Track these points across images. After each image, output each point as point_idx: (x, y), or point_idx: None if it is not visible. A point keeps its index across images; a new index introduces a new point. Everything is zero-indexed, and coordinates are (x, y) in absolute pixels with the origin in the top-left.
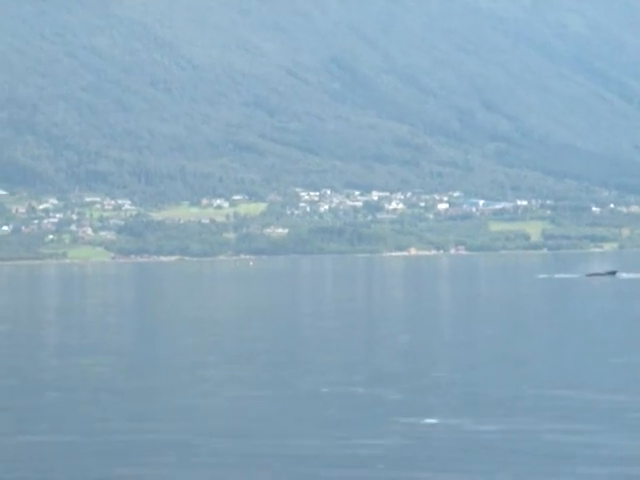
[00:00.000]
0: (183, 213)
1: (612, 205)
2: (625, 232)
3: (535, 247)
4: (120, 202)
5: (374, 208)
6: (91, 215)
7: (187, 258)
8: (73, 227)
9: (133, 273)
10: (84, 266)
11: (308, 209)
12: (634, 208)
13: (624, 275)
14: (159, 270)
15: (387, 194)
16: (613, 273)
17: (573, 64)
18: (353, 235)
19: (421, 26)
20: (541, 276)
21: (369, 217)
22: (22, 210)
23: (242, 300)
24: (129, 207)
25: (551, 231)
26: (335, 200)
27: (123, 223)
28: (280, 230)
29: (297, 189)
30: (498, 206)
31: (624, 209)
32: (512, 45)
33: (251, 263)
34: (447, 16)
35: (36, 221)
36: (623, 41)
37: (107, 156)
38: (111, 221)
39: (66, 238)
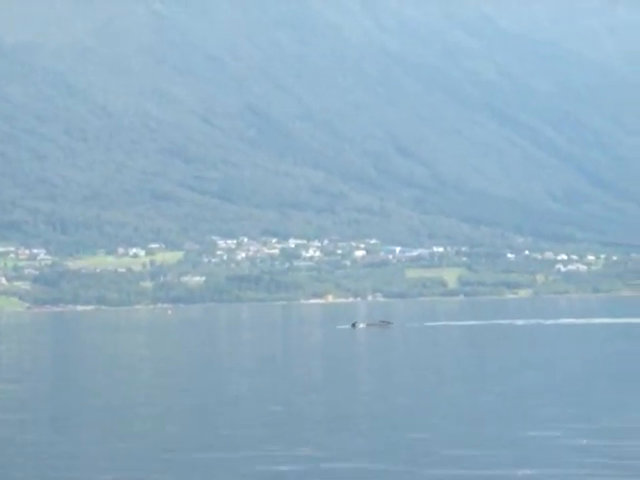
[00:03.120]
0: (99, 262)
1: (527, 252)
2: (540, 278)
3: (452, 294)
4: (35, 251)
5: (291, 256)
6: (5, 265)
7: (104, 307)
8: None
9: (48, 323)
10: None
11: (225, 257)
12: (548, 254)
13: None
14: (77, 320)
15: (304, 242)
16: (388, 323)
17: (485, 110)
18: (270, 283)
19: (334, 71)
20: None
21: (286, 265)
22: None
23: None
24: (44, 256)
25: (467, 277)
26: (252, 248)
27: (38, 273)
28: (197, 278)
29: (214, 237)
30: (415, 253)
31: (538, 255)
32: (425, 90)
33: (169, 312)
34: (360, 61)
35: None
36: (534, 87)
37: (21, 205)
38: (26, 270)
39: None
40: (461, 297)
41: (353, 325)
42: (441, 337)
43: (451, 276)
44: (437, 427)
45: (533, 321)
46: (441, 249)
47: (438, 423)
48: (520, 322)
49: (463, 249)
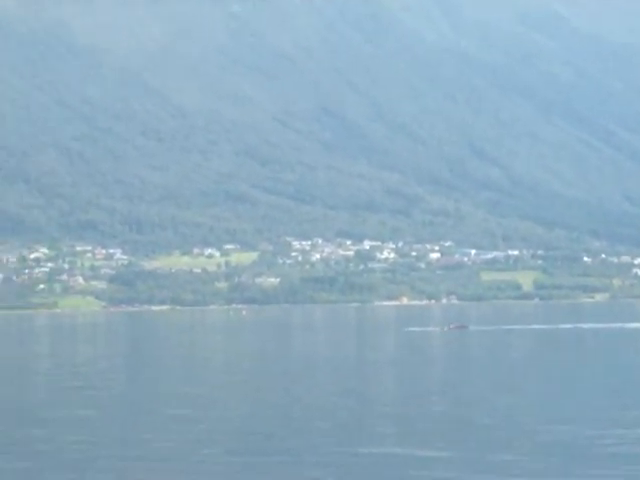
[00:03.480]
0: (174, 262)
1: (603, 255)
2: (616, 282)
3: (527, 297)
4: (111, 251)
5: (365, 257)
6: (82, 264)
7: (178, 307)
8: (64, 276)
9: (125, 323)
10: (75, 316)
11: (300, 258)
12: (625, 258)
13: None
14: (152, 320)
15: (378, 243)
16: (465, 327)
17: (562, 113)
18: (344, 284)
19: (409, 74)
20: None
21: (361, 266)
22: (13, 259)
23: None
24: (120, 256)
25: (542, 281)
26: (327, 249)
27: (114, 272)
28: (272, 279)
29: (288, 238)
30: (489, 256)
31: (615, 259)
32: (501, 93)
33: (244, 313)
34: (435, 64)
35: (27, 270)
36: (611, 89)
37: (98, 205)
38: (102, 270)
39: (57, 287)
40: (536, 300)
41: (446, 327)
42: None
43: (526, 279)
44: None
45: (615, 325)
46: (516, 252)
47: None
48: (604, 326)
49: (539, 252)
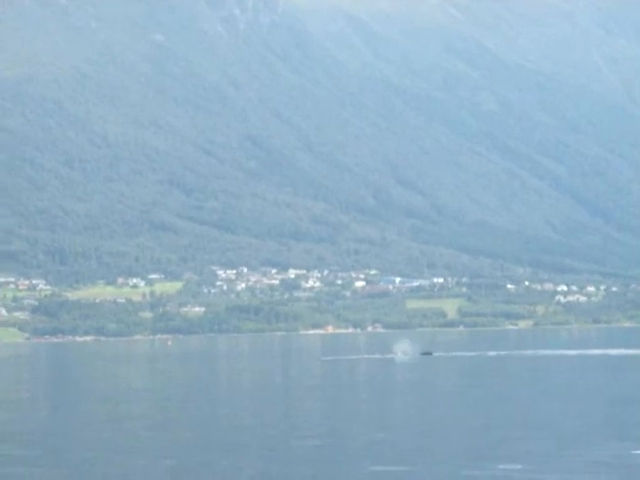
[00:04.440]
0: (98, 292)
1: (527, 282)
2: (540, 309)
3: (452, 324)
4: (34, 282)
5: (291, 286)
6: (5, 295)
7: (102, 338)
8: None
9: (48, 355)
10: None
11: (225, 287)
12: (548, 285)
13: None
14: (76, 351)
15: (304, 272)
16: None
17: (485, 141)
18: (270, 313)
19: (334, 102)
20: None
21: (286, 295)
22: None
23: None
24: (44, 287)
25: (467, 308)
26: (252, 278)
27: (37, 303)
28: (197, 309)
29: (214, 267)
30: (414, 283)
31: (538, 286)
32: (425, 122)
33: (169, 343)
34: (360, 92)
35: None
36: (533, 119)
37: (20, 235)
38: (25, 301)
39: None
40: (461, 328)
41: (398, 353)
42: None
43: (451, 307)
44: None
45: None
46: (441, 280)
47: None
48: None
49: (463, 280)
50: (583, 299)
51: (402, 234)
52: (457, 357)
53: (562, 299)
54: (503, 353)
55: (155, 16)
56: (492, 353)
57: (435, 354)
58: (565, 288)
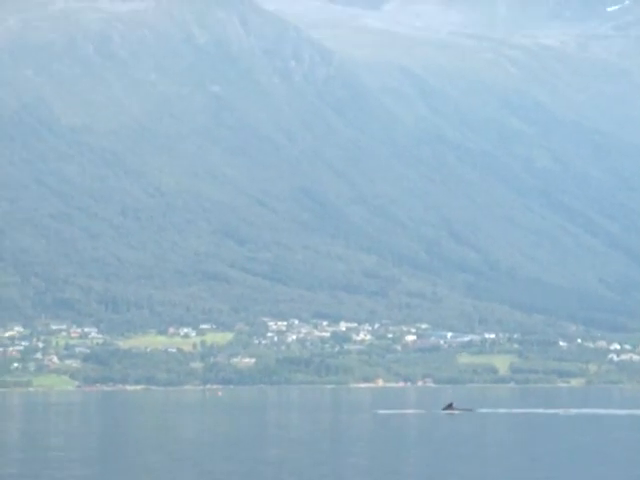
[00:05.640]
0: (150, 342)
1: (579, 340)
2: (592, 367)
3: (502, 381)
4: (86, 330)
5: (342, 339)
6: (57, 343)
7: (153, 387)
8: (38, 355)
9: (100, 404)
10: (49, 395)
11: (275, 339)
12: (601, 343)
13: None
14: (127, 400)
15: (355, 325)
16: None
17: (539, 198)
18: (320, 365)
19: (388, 155)
20: (381, 412)
21: (337, 348)
22: None
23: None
24: (95, 335)
25: (518, 365)
26: (303, 330)
27: (89, 351)
28: (247, 360)
29: (265, 318)
30: (466, 339)
31: (591, 344)
32: (479, 177)
33: (219, 393)
34: (414, 146)
35: (1, 349)
36: (588, 176)
37: (74, 284)
38: (77, 349)
39: (31, 366)
40: (512, 384)
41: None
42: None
43: (502, 363)
44: None
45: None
46: (493, 335)
47: None
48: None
49: (515, 336)
50: (636, 358)
51: (454, 289)
52: (501, 414)
53: (615, 357)
54: (551, 411)
55: (213, 67)
56: (538, 410)
57: (478, 410)
58: (618, 347)
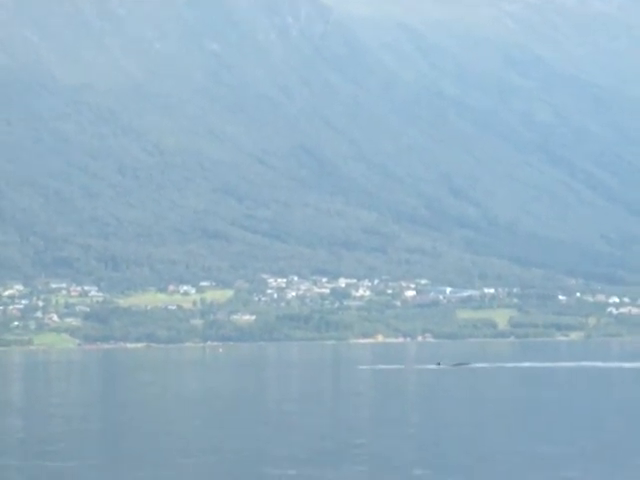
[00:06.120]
0: (150, 299)
1: (578, 294)
2: (592, 321)
3: (502, 335)
4: (86, 288)
5: (341, 295)
6: (57, 301)
7: (153, 345)
8: (39, 313)
9: (101, 361)
10: (49, 353)
11: (275, 296)
12: (600, 297)
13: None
14: (128, 357)
15: (354, 281)
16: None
17: (539, 153)
18: (320, 322)
19: (387, 112)
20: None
21: (336, 304)
22: None
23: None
24: (95, 293)
25: (518, 319)
26: (302, 287)
27: (89, 309)
28: (247, 317)
29: (264, 276)
30: (465, 294)
31: (590, 298)
32: (478, 132)
33: (220, 350)
34: (413, 102)
35: (1, 307)
36: (588, 130)
37: (73, 242)
38: (77, 307)
39: (31, 324)
40: (511, 339)
41: (438, 364)
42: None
43: (502, 317)
44: None
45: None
46: (492, 290)
47: None
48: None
49: (514, 290)
50: (635, 311)
51: (453, 244)
52: (501, 368)
53: (614, 311)
54: (550, 365)
55: (211, 25)
56: (540, 364)
57: (476, 365)
58: (617, 300)
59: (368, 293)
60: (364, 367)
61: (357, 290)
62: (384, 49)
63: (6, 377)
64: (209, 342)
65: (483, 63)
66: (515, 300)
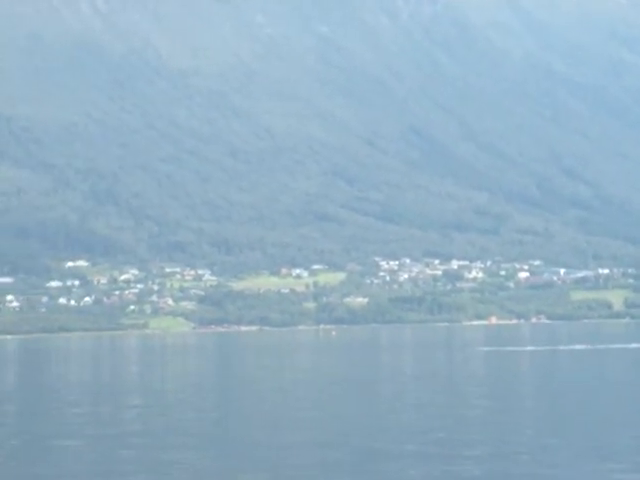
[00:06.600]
0: (263, 283)
1: None
2: None
3: (617, 316)
4: (200, 272)
5: (454, 277)
6: (171, 285)
7: (267, 328)
8: (154, 297)
9: (217, 344)
10: (165, 337)
11: (387, 278)
12: None
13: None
14: (243, 340)
15: (467, 263)
16: None
17: None
18: (433, 304)
19: (497, 92)
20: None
21: (449, 286)
22: (103, 281)
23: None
24: (209, 277)
25: (633, 299)
26: (414, 269)
27: (203, 293)
28: (360, 299)
29: (376, 258)
30: (579, 275)
31: None
32: (590, 111)
33: (334, 333)
34: (523, 81)
35: (117, 292)
36: None
37: (187, 226)
38: (191, 291)
39: (147, 308)
40: (627, 319)
41: None
42: None
43: (617, 298)
44: None
45: None
46: (606, 271)
47: None
48: None
49: (629, 271)
50: None
51: (566, 224)
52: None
53: None
54: None
55: (320, 8)
56: None
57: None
58: None
59: (481, 275)
60: (485, 349)
61: (470, 272)
62: (493, 28)
63: (125, 360)
64: (322, 325)
65: (592, 40)
66: (630, 280)
